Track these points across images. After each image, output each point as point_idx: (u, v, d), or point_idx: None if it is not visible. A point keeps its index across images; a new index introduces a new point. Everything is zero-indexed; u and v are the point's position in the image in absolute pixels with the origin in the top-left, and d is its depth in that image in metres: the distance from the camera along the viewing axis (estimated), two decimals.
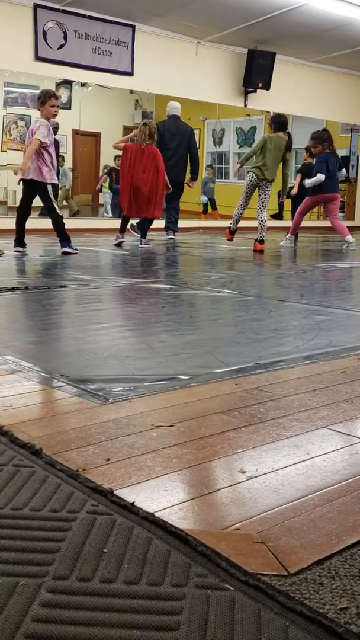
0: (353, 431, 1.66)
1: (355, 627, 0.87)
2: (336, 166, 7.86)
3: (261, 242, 7.22)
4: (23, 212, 6.33)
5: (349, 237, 7.93)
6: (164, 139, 7.94)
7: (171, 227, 8.56)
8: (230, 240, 7.76)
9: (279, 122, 7.36)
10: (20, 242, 6.33)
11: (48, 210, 6.16)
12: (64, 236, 6.17)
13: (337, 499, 1.27)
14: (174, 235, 8.57)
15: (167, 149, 7.87)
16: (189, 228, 10.77)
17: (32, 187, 6.11)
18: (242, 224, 7.58)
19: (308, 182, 7.77)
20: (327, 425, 1.69)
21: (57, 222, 6.13)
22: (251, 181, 7.26)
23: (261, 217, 7.23)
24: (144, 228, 7.48)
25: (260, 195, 7.29)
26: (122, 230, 7.43)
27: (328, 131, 8.08)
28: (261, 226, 7.21)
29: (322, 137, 7.85)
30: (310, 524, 1.16)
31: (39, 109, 6.15)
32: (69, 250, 6.17)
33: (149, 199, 7.22)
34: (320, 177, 7.66)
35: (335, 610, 0.91)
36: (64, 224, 6.19)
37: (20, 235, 6.33)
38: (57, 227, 6.16)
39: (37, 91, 11.13)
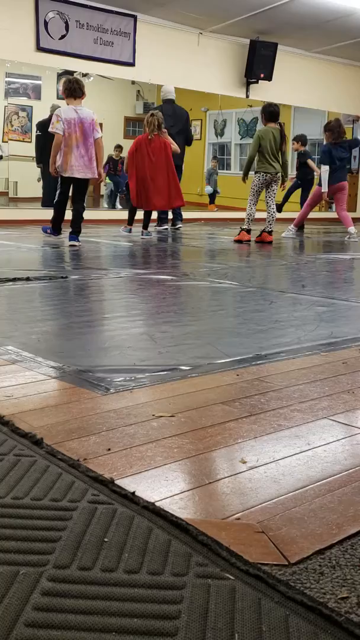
0: (354, 422, 1.66)
1: (355, 617, 0.87)
2: (345, 155, 7.79)
3: (270, 233, 7.22)
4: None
5: (352, 229, 7.91)
6: None
7: (177, 216, 8.59)
8: (249, 240, 7.32)
9: (269, 112, 7.27)
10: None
11: (82, 202, 6.33)
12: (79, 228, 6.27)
13: (338, 489, 1.27)
14: (181, 224, 8.61)
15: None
16: (190, 219, 10.75)
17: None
18: (243, 215, 7.56)
19: (322, 181, 7.71)
20: (328, 415, 1.69)
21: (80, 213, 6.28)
22: (265, 180, 7.21)
23: (271, 208, 7.25)
24: (146, 219, 7.51)
25: (272, 187, 7.28)
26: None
27: (333, 121, 8.05)
28: (272, 217, 7.22)
29: (325, 127, 7.83)
30: (310, 514, 1.16)
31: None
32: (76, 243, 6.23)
33: (169, 189, 7.22)
34: (324, 168, 7.65)
35: (335, 600, 0.91)
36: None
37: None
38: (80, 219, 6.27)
39: (39, 82, 11.17)
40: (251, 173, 7.41)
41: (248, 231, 7.32)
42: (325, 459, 1.41)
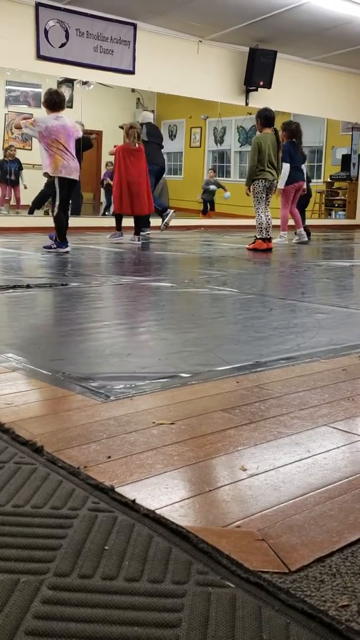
0: (354, 429, 1.66)
1: (356, 625, 0.87)
2: (299, 158, 8.06)
3: (269, 240, 7.22)
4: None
5: (301, 230, 8.15)
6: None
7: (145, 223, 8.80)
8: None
9: (264, 117, 7.27)
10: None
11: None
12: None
13: (338, 496, 1.27)
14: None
15: (150, 148, 8.40)
16: (189, 226, 10.76)
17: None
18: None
19: (282, 178, 7.83)
20: (328, 423, 1.69)
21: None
22: (265, 186, 7.19)
23: (267, 216, 7.22)
24: (138, 225, 7.69)
25: (268, 195, 7.28)
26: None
27: (294, 124, 8.26)
28: (268, 224, 7.19)
29: (286, 127, 8.10)
30: (311, 522, 1.16)
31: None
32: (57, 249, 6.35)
33: (147, 196, 7.55)
34: (285, 166, 7.77)
35: (336, 608, 0.91)
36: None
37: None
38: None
39: (39, 90, 11.21)
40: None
41: (265, 240, 7.16)
42: (326, 467, 1.41)
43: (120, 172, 7.41)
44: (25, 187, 11.00)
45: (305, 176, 8.37)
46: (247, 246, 7.26)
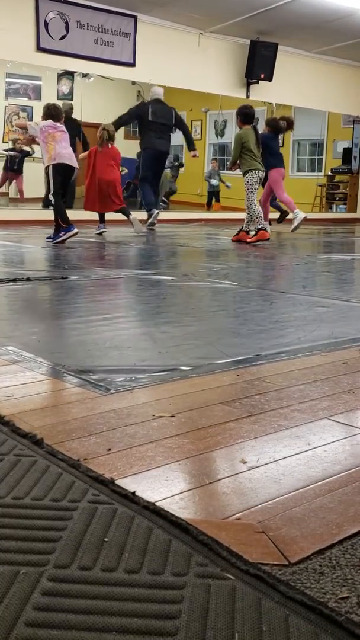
0: (354, 422, 1.66)
1: (355, 616, 0.87)
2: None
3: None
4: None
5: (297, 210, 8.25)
6: (146, 118, 8.28)
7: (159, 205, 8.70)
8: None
9: (244, 114, 7.34)
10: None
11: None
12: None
13: (338, 489, 1.27)
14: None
15: (151, 129, 8.25)
16: (190, 220, 10.75)
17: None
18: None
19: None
20: (329, 416, 1.69)
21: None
22: (259, 177, 7.28)
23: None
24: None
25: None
26: (102, 220, 7.73)
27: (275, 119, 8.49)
28: (250, 217, 7.23)
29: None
30: (311, 514, 1.16)
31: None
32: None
33: (115, 193, 7.55)
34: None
35: (335, 600, 0.91)
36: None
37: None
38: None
39: (39, 82, 11.18)
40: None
41: (266, 229, 7.23)
42: (326, 459, 1.41)
43: (89, 174, 7.52)
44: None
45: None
46: (247, 239, 7.24)
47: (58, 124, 6.47)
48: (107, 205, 7.60)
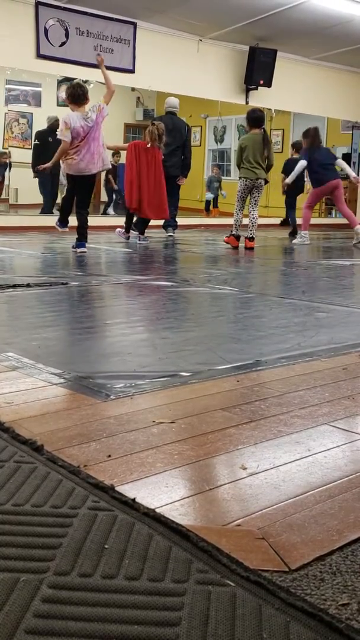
0: (354, 428, 1.66)
1: (356, 623, 0.87)
2: (327, 157, 8.12)
3: (251, 239, 7.23)
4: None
5: (358, 227, 8.00)
6: None
7: (170, 223, 8.54)
8: (237, 246, 7.31)
9: (253, 118, 7.33)
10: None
11: (86, 206, 6.30)
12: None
13: (338, 495, 1.26)
14: (174, 233, 8.56)
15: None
16: (189, 225, 10.76)
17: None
18: (242, 221, 7.56)
19: (290, 176, 8.05)
20: (328, 421, 1.69)
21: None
22: (247, 185, 7.28)
23: (253, 215, 7.28)
24: (142, 225, 7.48)
25: (254, 193, 7.32)
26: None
27: (312, 128, 8.27)
28: (252, 224, 7.23)
29: (305, 134, 8.17)
30: (311, 520, 1.16)
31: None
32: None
33: (161, 200, 7.30)
34: (300, 163, 7.99)
35: (336, 606, 0.91)
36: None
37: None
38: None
39: (39, 89, 11.19)
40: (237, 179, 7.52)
41: (237, 237, 7.36)
42: (326, 465, 1.41)
43: (131, 171, 7.17)
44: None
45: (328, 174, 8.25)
46: (224, 238, 7.48)
47: (86, 114, 5.94)
48: (162, 211, 7.40)
